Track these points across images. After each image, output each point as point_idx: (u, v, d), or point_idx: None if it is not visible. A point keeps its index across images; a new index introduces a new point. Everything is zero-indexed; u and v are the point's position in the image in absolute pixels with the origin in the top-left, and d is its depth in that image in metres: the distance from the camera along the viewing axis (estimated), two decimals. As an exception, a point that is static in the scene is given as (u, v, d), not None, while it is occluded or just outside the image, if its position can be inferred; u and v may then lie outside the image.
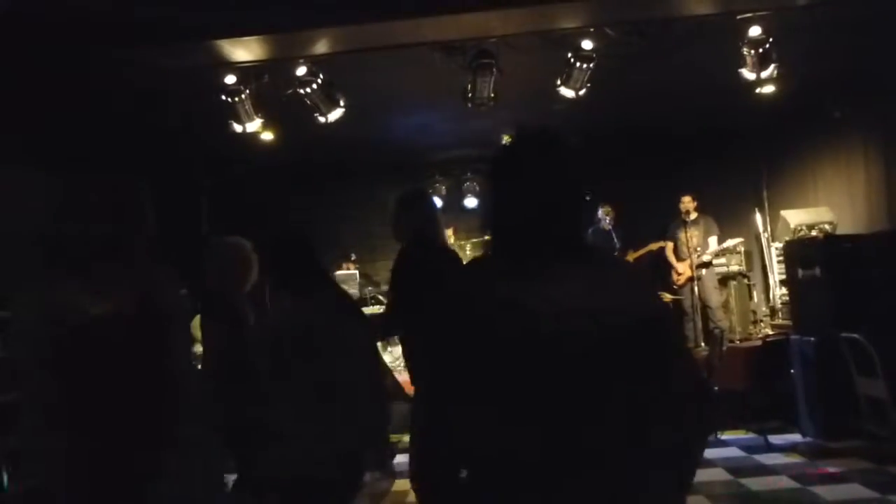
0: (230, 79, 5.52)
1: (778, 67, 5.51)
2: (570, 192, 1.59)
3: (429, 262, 3.39)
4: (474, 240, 9.28)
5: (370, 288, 9.02)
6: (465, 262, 3.41)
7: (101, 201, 1.93)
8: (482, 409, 1.51)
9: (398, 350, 8.70)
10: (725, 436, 6.10)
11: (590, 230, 8.45)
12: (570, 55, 5.47)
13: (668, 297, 8.32)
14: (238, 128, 5.82)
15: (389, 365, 8.67)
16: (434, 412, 1.60)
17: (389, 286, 3.55)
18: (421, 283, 3.30)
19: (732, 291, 8.63)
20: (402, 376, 7.99)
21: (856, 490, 4.59)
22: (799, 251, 6.41)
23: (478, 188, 9.86)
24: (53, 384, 1.81)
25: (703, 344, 8.02)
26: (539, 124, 1.64)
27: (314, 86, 5.60)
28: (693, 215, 8.25)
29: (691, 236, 8.15)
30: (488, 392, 1.51)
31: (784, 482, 4.91)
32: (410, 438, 1.65)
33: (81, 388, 1.86)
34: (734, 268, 8.66)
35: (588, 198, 1.63)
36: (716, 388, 6.03)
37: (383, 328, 4.05)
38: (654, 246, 8.52)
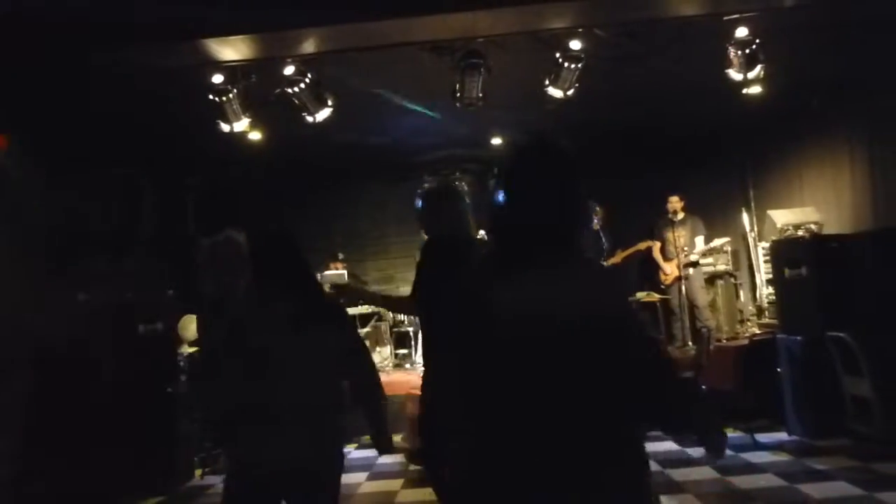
0: (218, 78, 5.49)
1: (764, 68, 5.54)
2: (565, 197, 1.66)
3: (453, 254, 3.42)
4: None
5: (359, 288, 9.00)
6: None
7: (98, 198, 1.90)
8: (480, 391, 1.63)
9: (387, 350, 8.71)
10: (713, 434, 6.13)
11: (579, 230, 8.44)
12: (558, 55, 5.48)
13: (655, 296, 8.36)
14: (226, 127, 5.79)
15: (378, 365, 8.66)
16: (441, 391, 1.79)
17: (416, 273, 3.58)
18: (442, 273, 3.34)
19: (719, 291, 8.68)
20: (390, 376, 7.98)
21: (842, 488, 4.62)
22: (785, 251, 6.45)
23: (467, 188, 9.85)
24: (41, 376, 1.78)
25: (690, 343, 8.05)
26: (538, 129, 1.70)
27: (302, 85, 5.58)
28: (680, 215, 8.28)
29: (678, 236, 8.19)
30: (483, 378, 1.62)
31: (771, 480, 4.94)
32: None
33: (66, 382, 1.83)
34: (721, 267, 8.71)
35: (594, 205, 1.73)
36: (703, 387, 6.06)
37: (406, 307, 4.15)
38: (641, 245, 8.55)
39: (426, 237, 3.64)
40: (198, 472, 6.00)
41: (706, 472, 5.15)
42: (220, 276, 3.36)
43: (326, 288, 8.65)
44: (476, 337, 1.61)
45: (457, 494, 1.67)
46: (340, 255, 9.30)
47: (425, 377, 3.51)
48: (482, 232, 8.26)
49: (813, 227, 7.28)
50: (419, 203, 3.63)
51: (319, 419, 2.72)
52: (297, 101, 5.72)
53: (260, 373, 2.64)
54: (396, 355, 8.82)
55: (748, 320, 8.77)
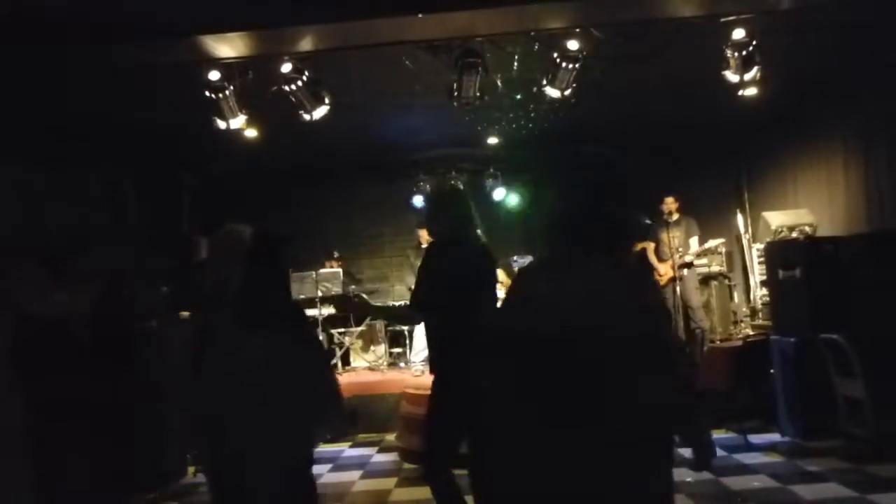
0: (214, 75, 5.46)
1: (760, 70, 5.55)
2: (603, 205, 1.72)
3: (459, 258, 3.42)
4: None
5: (353, 286, 9.00)
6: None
7: (79, 195, 1.86)
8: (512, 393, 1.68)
9: (381, 349, 8.70)
10: (706, 435, 6.14)
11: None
12: (555, 55, 5.48)
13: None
14: (222, 124, 5.77)
15: (372, 364, 8.67)
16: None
17: (417, 276, 3.55)
18: (447, 277, 3.33)
19: (713, 292, 8.71)
20: (385, 375, 7.98)
21: (834, 489, 4.64)
22: (780, 252, 6.47)
23: (462, 187, 9.86)
24: (19, 380, 1.74)
25: (684, 344, 8.07)
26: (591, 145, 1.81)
27: (299, 83, 5.56)
28: (675, 216, 8.30)
29: (673, 237, 8.20)
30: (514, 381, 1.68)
31: (763, 481, 4.95)
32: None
33: (48, 385, 1.78)
34: (715, 268, 8.74)
35: (647, 221, 1.74)
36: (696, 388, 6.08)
37: (405, 318, 4.15)
38: (638, 246, 8.57)
39: (426, 239, 3.63)
40: (191, 469, 5.98)
41: (698, 473, 5.15)
42: (219, 270, 3.34)
43: (322, 291, 8.65)
44: (512, 340, 1.68)
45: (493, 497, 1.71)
46: (336, 254, 9.30)
47: (438, 377, 3.48)
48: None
49: (807, 229, 7.32)
50: (423, 204, 3.62)
51: (288, 433, 2.69)
52: (294, 99, 5.71)
53: (233, 382, 2.61)
54: (391, 354, 8.81)
55: (742, 321, 8.81)
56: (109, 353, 5.33)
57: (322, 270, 8.66)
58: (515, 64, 5.94)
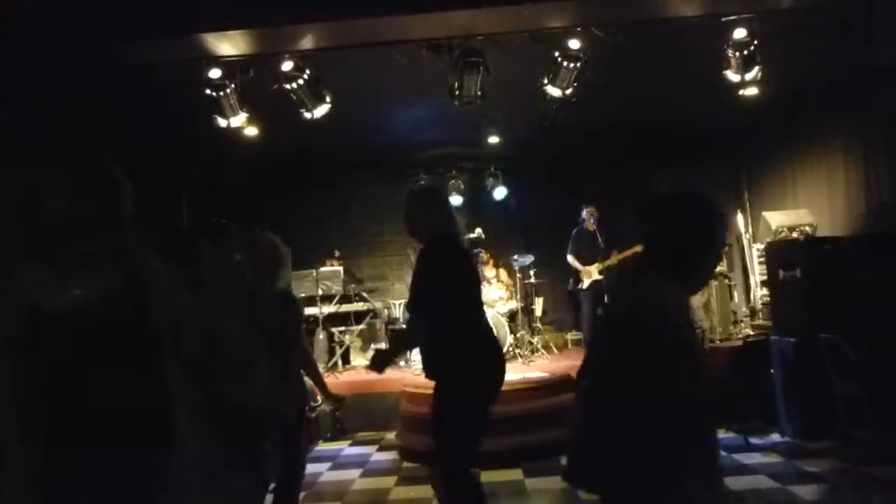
0: (215, 73, 5.47)
1: (761, 70, 5.55)
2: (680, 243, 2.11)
3: (455, 259, 3.41)
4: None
5: (353, 285, 9.00)
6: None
7: (77, 177, 1.83)
8: None
9: (381, 348, 8.69)
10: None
11: (574, 231, 8.50)
12: (557, 54, 5.49)
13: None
14: (223, 122, 5.77)
15: (369, 361, 8.66)
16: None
17: (415, 279, 3.46)
18: (447, 278, 3.32)
19: (713, 292, 8.69)
20: (385, 373, 7.97)
21: (832, 490, 4.64)
22: (780, 252, 6.48)
23: (462, 186, 9.87)
24: (21, 375, 1.70)
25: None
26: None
27: (300, 81, 5.57)
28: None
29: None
30: None
31: (763, 481, 4.96)
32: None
33: (53, 382, 1.76)
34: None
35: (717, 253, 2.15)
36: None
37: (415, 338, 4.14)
38: (637, 247, 8.56)
39: (420, 241, 3.60)
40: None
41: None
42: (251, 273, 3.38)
43: (322, 289, 8.61)
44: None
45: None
46: (336, 252, 9.31)
47: (438, 377, 3.45)
48: (478, 231, 8.27)
49: (807, 229, 7.32)
50: (404, 208, 3.59)
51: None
52: (294, 98, 5.71)
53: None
54: (390, 353, 8.80)
55: (742, 321, 8.81)
56: (121, 345, 5.33)
57: (322, 269, 8.67)
58: (515, 63, 5.94)
